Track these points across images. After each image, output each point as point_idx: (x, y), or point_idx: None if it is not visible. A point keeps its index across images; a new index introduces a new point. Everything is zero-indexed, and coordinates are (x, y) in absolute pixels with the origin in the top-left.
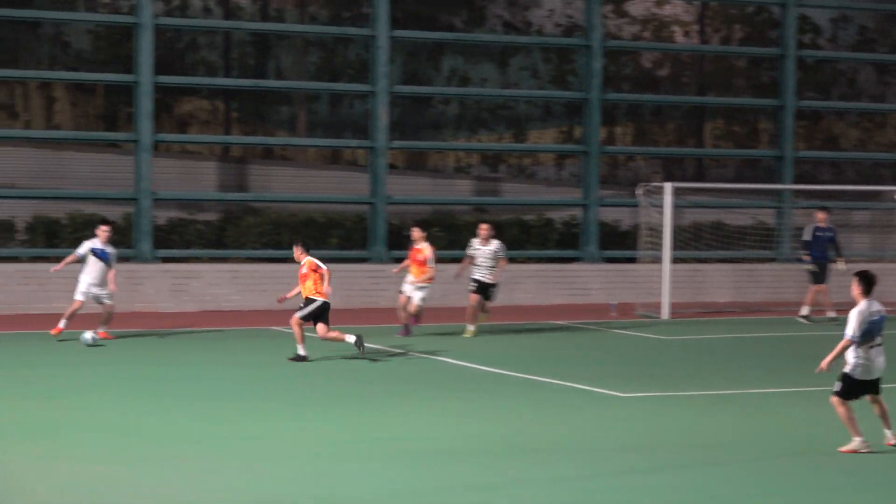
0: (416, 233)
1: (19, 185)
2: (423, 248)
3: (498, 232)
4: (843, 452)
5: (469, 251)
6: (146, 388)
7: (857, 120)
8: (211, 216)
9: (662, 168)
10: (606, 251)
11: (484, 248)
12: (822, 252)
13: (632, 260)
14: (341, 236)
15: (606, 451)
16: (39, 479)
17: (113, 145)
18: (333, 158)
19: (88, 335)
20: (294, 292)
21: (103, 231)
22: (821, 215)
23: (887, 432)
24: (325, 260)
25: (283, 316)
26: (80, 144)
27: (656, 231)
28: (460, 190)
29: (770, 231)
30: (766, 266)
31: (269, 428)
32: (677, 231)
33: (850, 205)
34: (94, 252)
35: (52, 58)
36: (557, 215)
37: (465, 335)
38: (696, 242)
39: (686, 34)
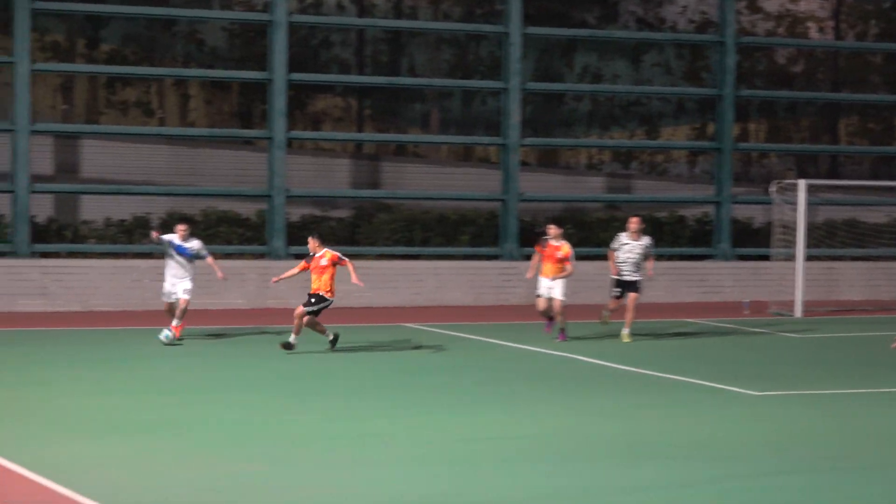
0: (553, 229)
1: (154, 181)
2: (563, 245)
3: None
4: None
5: (615, 245)
6: (276, 384)
7: None
8: (343, 213)
9: (796, 165)
10: (739, 249)
11: (633, 244)
12: None
13: (765, 257)
14: (473, 233)
15: (739, 450)
16: (173, 474)
17: (247, 142)
18: (465, 155)
19: (164, 337)
20: (288, 275)
21: (181, 230)
22: None
23: None
24: (456, 258)
25: (414, 313)
26: (214, 142)
27: (789, 228)
28: (592, 187)
29: None
30: None
31: (402, 426)
32: (811, 228)
33: None
34: (173, 246)
35: (187, 55)
36: (690, 212)
37: (624, 340)
38: (829, 240)
39: (821, 30)
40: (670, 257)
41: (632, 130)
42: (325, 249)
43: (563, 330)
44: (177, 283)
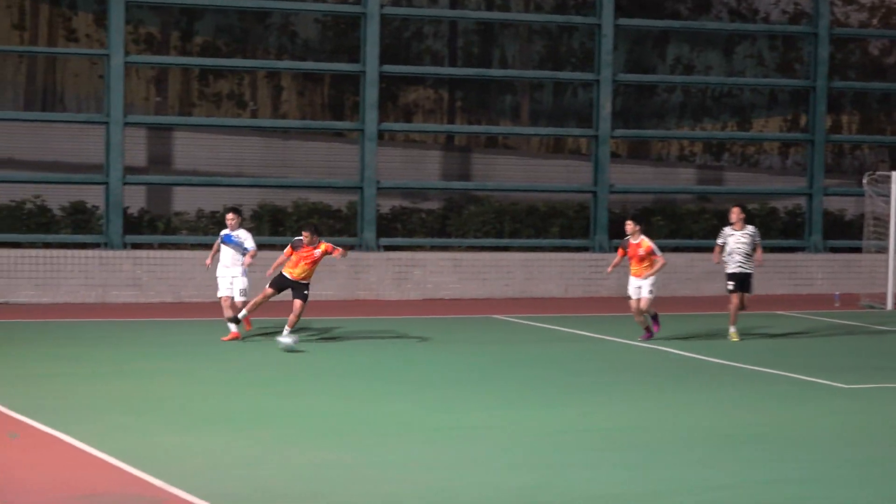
0: (630, 226)
1: (246, 173)
2: (642, 241)
3: (720, 221)
4: None
5: (720, 240)
6: (369, 375)
7: None
8: (434, 205)
9: (889, 157)
10: (831, 241)
11: (738, 235)
12: None
13: (856, 250)
14: (563, 225)
15: (827, 443)
16: (265, 465)
17: (338, 134)
18: (556, 147)
19: (288, 340)
20: (278, 263)
21: (229, 219)
22: None
23: None
24: (545, 249)
25: (503, 305)
26: (306, 133)
27: (882, 221)
28: (683, 178)
29: None
30: None
31: (491, 416)
32: None
33: None
34: (224, 239)
35: (279, 48)
36: (781, 204)
37: (731, 339)
38: None
39: None
40: (762, 249)
41: (723, 122)
42: (321, 240)
43: (648, 328)
44: (231, 279)
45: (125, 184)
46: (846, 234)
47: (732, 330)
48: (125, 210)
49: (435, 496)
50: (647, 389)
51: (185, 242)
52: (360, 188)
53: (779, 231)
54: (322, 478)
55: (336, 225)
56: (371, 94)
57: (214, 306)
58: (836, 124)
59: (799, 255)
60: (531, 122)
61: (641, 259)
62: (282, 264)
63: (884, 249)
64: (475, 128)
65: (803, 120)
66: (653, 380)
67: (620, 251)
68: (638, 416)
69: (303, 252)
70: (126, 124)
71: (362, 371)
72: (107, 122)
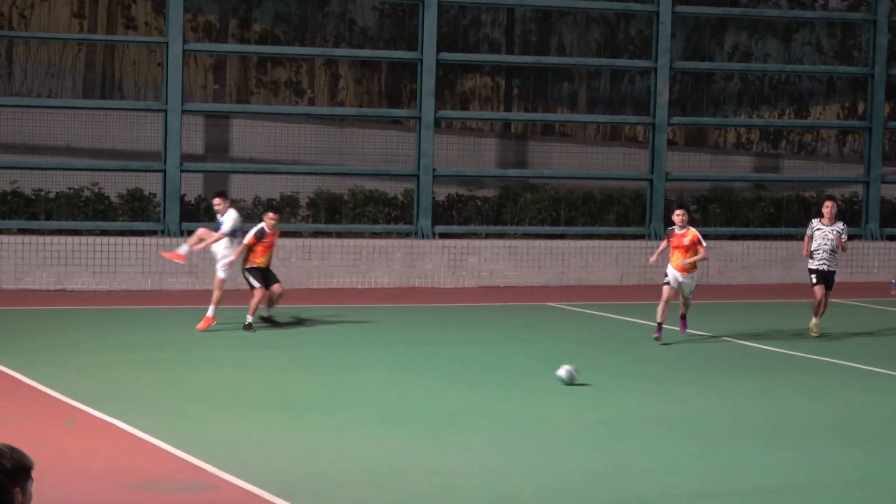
0: (679, 216)
1: (303, 161)
2: (688, 231)
3: (777, 209)
4: None
5: (809, 231)
6: (426, 364)
7: None
8: (489, 192)
9: None
10: (888, 229)
11: (827, 230)
12: None
13: None
14: (619, 212)
15: (883, 432)
16: (322, 453)
17: (395, 122)
18: (613, 135)
19: (564, 372)
20: (237, 257)
21: (216, 203)
22: None
23: None
24: (601, 237)
25: (559, 292)
26: (363, 121)
27: None
28: (740, 166)
29: None
30: None
31: (550, 405)
32: None
33: None
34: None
35: (337, 36)
36: (838, 192)
37: (812, 333)
38: None
39: None
40: None
41: (781, 109)
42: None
43: (683, 317)
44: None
45: (182, 171)
46: None
47: (815, 321)
48: (182, 197)
49: (494, 485)
50: (703, 377)
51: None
52: (417, 176)
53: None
54: (380, 467)
55: (392, 212)
56: (428, 81)
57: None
58: (894, 112)
59: (856, 243)
60: (588, 110)
61: (686, 249)
62: (244, 256)
63: None
64: (532, 115)
65: (861, 107)
66: (709, 368)
67: (667, 239)
68: (694, 404)
69: (267, 241)
70: (184, 112)
71: (419, 360)
72: (164, 110)
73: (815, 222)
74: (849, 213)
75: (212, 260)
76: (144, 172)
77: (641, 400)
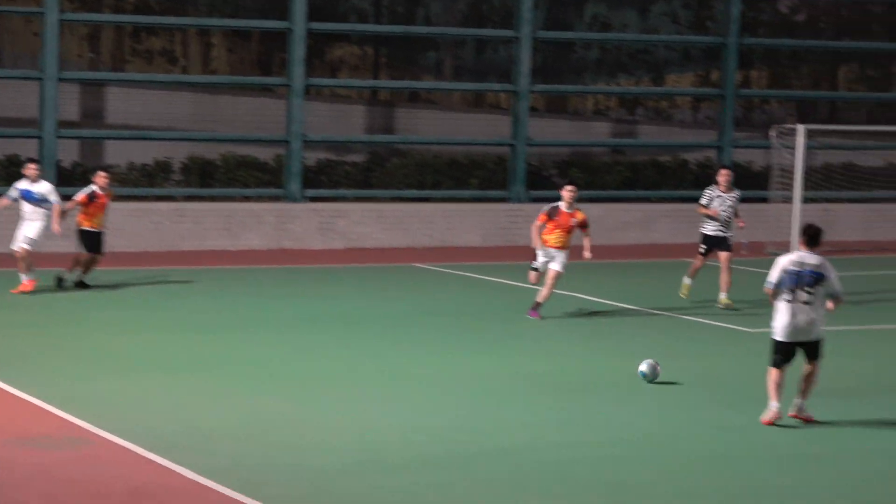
0: (568, 192)
1: (176, 127)
2: (577, 213)
3: (634, 173)
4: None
5: (705, 199)
6: (299, 324)
7: None
8: (358, 158)
9: (796, 111)
10: (739, 191)
11: (725, 197)
12: None
13: (763, 200)
14: (482, 177)
15: (736, 388)
16: (200, 410)
17: (266, 90)
18: (477, 102)
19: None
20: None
21: (31, 169)
22: None
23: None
24: (466, 200)
25: (425, 254)
26: (235, 89)
27: (788, 172)
28: (598, 132)
29: None
30: None
31: (416, 363)
32: (809, 172)
33: None
34: (20, 191)
35: (210, 5)
36: (693, 157)
37: (682, 292)
38: (827, 183)
39: None
40: (673, 200)
41: (638, 78)
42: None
43: (538, 305)
44: (21, 229)
45: (59, 137)
46: (754, 184)
47: (687, 282)
48: (58, 163)
49: (363, 438)
50: (566, 335)
51: (116, 195)
52: (287, 142)
53: (690, 182)
54: (253, 422)
55: (263, 177)
56: (298, 50)
57: (144, 256)
58: (746, 80)
59: None
60: (453, 78)
61: (571, 230)
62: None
63: (789, 199)
64: (399, 83)
65: (715, 76)
66: (573, 326)
67: (544, 218)
68: (556, 360)
69: (99, 201)
70: (60, 80)
71: (290, 320)
72: (41, 78)
73: (711, 191)
74: (703, 177)
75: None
76: (22, 139)
77: (504, 356)
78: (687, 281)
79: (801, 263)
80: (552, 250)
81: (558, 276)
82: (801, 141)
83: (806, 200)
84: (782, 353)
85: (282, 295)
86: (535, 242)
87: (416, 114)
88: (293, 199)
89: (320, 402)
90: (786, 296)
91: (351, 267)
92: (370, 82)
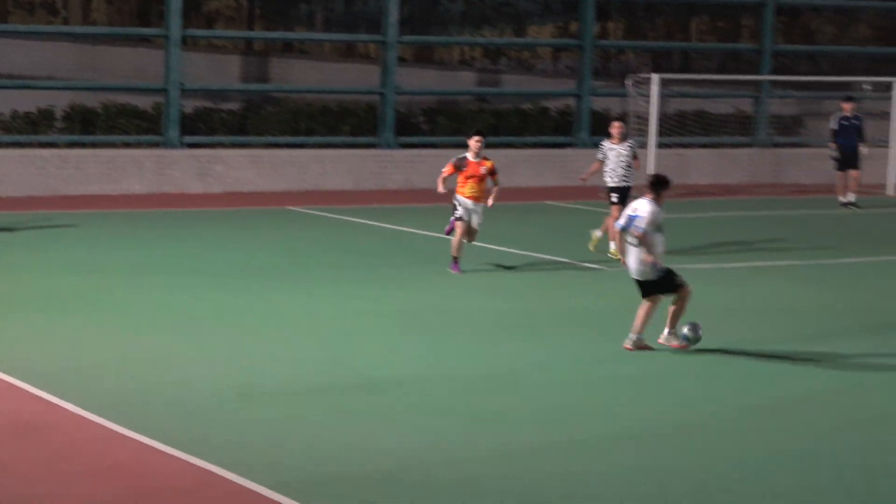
0: (475, 142)
1: (58, 76)
2: (485, 162)
3: (497, 120)
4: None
5: (600, 155)
6: (177, 266)
7: (832, 16)
8: (234, 105)
9: (651, 61)
10: (597, 137)
11: (619, 148)
12: (849, 140)
13: None
14: (353, 124)
15: (601, 323)
16: (84, 349)
17: (145, 40)
18: (348, 52)
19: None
20: None
21: None
22: (846, 105)
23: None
24: (338, 146)
25: (299, 197)
26: (114, 39)
27: (643, 119)
28: (464, 81)
29: (749, 119)
30: (744, 151)
31: (292, 301)
32: (663, 119)
33: (824, 95)
34: None
35: None
36: (553, 105)
37: (591, 243)
38: (680, 130)
39: None
40: (534, 146)
41: (501, 29)
42: None
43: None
44: None
45: None
46: None
47: (598, 234)
48: None
49: (242, 374)
50: (437, 275)
51: (2, 141)
52: (166, 90)
53: (550, 129)
54: (137, 360)
55: (142, 124)
56: (176, 2)
57: (29, 200)
58: (604, 31)
59: (568, 151)
60: (325, 29)
61: (481, 179)
62: None
63: (644, 145)
64: (273, 34)
65: (574, 27)
66: (442, 266)
67: (452, 168)
68: (421, 299)
69: None
70: None
71: (170, 262)
72: None
73: (606, 143)
74: (562, 124)
75: None
76: None
77: (374, 295)
78: (597, 233)
79: (634, 209)
80: (469, 202)
81: (471, 231)
82: (655, 89)
83: (660, 146)
84: (638, 288)
85: (163, 238)
86: (440, 187)
87: (289, 63)
88: (172, 146)
89: (201, 340)
90: (628, 238)
91: (228, 210)
92: (245, 33)
